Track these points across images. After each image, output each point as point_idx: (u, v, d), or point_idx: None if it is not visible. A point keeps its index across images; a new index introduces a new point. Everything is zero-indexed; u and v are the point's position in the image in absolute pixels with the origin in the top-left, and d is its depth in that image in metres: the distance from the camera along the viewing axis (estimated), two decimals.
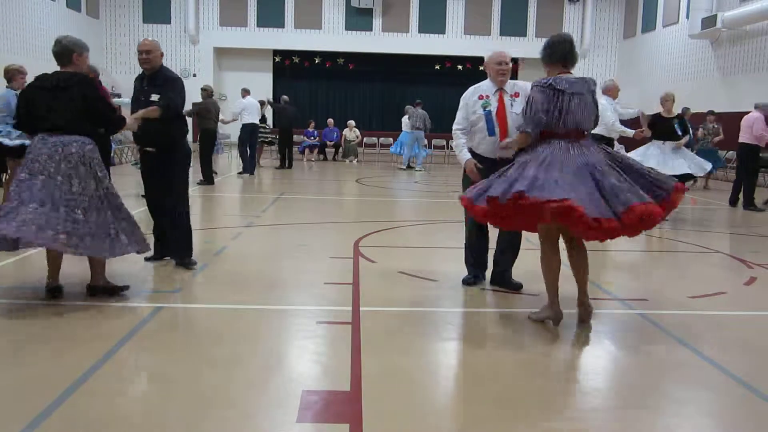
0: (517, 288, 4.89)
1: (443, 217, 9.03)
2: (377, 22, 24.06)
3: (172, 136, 5.18)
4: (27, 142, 6.59)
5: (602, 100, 8.81)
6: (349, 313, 4.25)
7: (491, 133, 4.65)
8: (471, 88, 4.87)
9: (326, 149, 20.01)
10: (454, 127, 4.86)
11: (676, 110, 9.15)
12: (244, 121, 14.13)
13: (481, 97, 4.72)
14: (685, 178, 9.04)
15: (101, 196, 4.25)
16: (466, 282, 5.01)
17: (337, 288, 4.90)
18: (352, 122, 20.02)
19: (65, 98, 4.24)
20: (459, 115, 4.84)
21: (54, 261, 4.42)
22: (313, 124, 20.21)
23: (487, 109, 4.66)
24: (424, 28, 24.09)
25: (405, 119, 17.36)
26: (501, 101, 4.68)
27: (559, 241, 4.13)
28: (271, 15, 23.71)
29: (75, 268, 4.77)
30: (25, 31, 17.32)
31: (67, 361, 3.33)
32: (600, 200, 3.70)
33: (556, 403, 3.06)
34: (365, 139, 20.85)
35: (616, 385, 3.38)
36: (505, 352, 3.75)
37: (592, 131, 4.25)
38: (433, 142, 21.62)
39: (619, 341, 4.00)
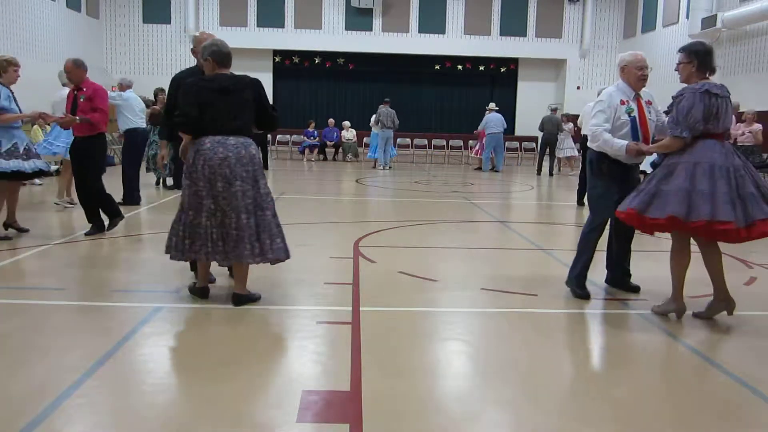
0: (636, 290, 4.95)
1: (443, 217, 9.03)
2: (377, 22, 24.06)
3: None
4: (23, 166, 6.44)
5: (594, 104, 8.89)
6: (349, 313, 4.25)
7: (635, 139, 4.57)
8: (610, 90, 4.70)
9: (326, 149, 20.02)
10: (598, 129, 4.57)
11: None
12: None
13: (623, 102, 4.61)
14: None
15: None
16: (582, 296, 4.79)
17: (337, 288, 4.90)
18: (347, 123, 20.06)
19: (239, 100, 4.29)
20: (601, 117, 4.59)
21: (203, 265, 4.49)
22: (313, 124, 20.23)
23: (632, 114, 4.58)
24: (424, 28, 24.09)
25: (373, 119, 17.30)
26: (641, 107, 4.65)
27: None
28: (271, 15, 23.71)
29: (74, 270, 4.77)
30: (25, 31, 17.31)
31: (68, 361, 3.33)
32: (741, 206, 3.97)
33: (555, 402, 3.06)
34: (365, 139, 20.86)
35: (616, 385, 3.38)
36: (505, 352, 3.75)
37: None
38: (434, 142, 21.64)
39: (619, 341, 4.00)
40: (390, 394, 3.07)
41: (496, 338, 3.99)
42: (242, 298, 4.36)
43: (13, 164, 6.37)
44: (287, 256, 4.45)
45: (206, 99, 4.22)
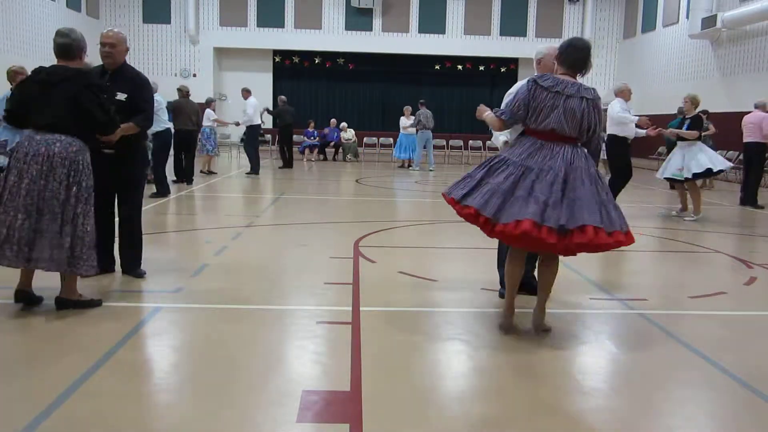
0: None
1: (443, 217, 9.02)
2: (377, 22, 24.06)
3: (131, 136, 4.71)
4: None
5: (615, 103, 8.89)
6: (349, 313, 4.25)
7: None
8: (524, 84, 4.52)
9: (326, 149, 20.03)
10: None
11: (671, 109, 9.42)
12: (255, 122, 14.12)
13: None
14: (705, 174, 9.14)
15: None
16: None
17: (337, 288, 4.90)
18: (345, 124, 20.08)
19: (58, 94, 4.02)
20: (505, 102, 4.39)
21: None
22: (313, 124, 20.23)
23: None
24: (424, 28, 24.09)
25: (407, 119, 17.17)
26: None
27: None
28: (271, 15, 23.71)
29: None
30: (25, 31, 17.32)
31: (68, 361, 3.33)
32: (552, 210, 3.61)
33: (556, 402, 3.06)
34: (365, 139, 20.86)
35: (616, 385, 3.38)
36: (505, 352, 3.75)
37: (608, 132, 4.11)
38: (434, 142, 21.62)
39: (619, 341, 4.00)
40: (390, 394, 3.07)
41: (496, 338, 3.99)
42: (64, 303, 4.11)
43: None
44: (87, 273, 4.12)
45: (30, 91, 4.09)
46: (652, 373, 3.51)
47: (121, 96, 4.72)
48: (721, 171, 9.28)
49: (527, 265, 4.48)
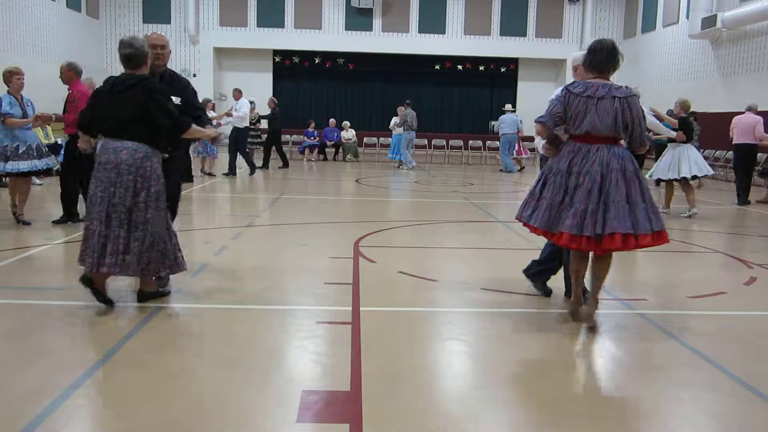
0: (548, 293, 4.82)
1: (443, 217, 9.03)
2: (377, 22, 24.06)
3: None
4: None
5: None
6: (349, 313, 4.25)
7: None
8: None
9: (326, 149, 20.02)
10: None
11: (663, 110, 9.69)
12: (246, 123, 14.11)
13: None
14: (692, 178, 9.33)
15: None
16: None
17: (337, 288, 4.90)
18: (347, 123, 20.09)
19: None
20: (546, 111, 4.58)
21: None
22: (313, 124, 20.23)
23: None
24: (424, 28, 24.09)
25: (396, 120, 17.31)
26: None
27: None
28: (271, 15, 23.71)
29: (75, 270, 4.76)
30: (25, 31, 17.31)
31: (68, 361, 3.33)
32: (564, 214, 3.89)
33: (556, 402, 3.06)
34: (365, 139, 20.85)
35: (616, 385, 3.38)
36: (505, 352, 3.75)
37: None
38: (434, 142, 21.64)
39: (619, 341, 4.00)
40: (390, 394, 3.07)
41: (496, 338, 3.99)
42: (144, 295, 4.31)
43: (23, 165, 6.95)
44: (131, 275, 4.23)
45: (98, 100, 4.22)
46: (652, 373, 3.51)
47: (175, 99, 4.70)
48: (705, 176, 9.58)
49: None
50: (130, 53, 4.19)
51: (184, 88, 4.86)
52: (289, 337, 3.94)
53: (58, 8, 19.22)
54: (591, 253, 4.11)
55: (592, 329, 4.08)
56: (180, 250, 4.37)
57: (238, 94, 14.38)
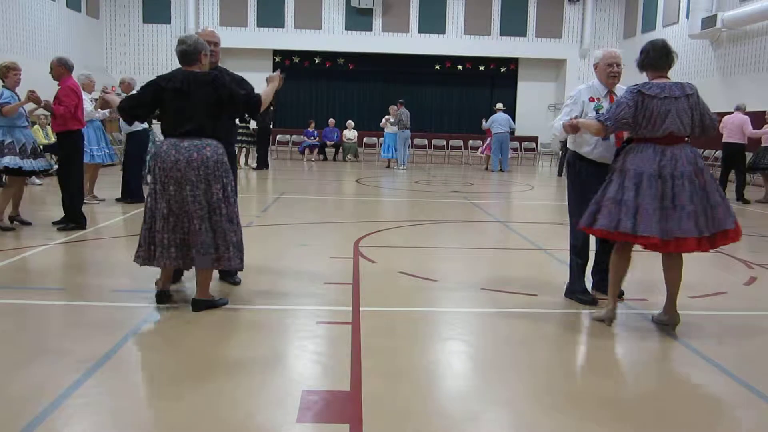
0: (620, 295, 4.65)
1: (443, 217, 9.03)
2: (377, 22, 24.05)
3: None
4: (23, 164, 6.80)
5: None
6: (349, 313, 4.25)
7: (607, 137, 4.46)
8: (582, 88, 4.63)
9: (326, 149, 20.03)
10: (557, 122, 4.57)
11: None
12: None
13: (591, 100, 4.50)
14: None
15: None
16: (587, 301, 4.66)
17: (337, 288, 4.90)
18: (351, 123, 20.10)
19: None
20: (565, 111, 4.56)
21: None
22: (313, 124, 20.23)
23: (600, 111, 4.42)
24: (424, 28, 24.08)
25: (389, 119, 17.34)
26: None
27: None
28: (271, 15, 23.71)
29: (75, 270, 4.77)
30: (25, 31, 17.31)
31: (68, 361, 3.33)
32: (672, 217, 3.83)
33: (555, 402, 3.06)
34: (365, 138, 20.85)
35: (616, 384, 3.38)
36: (505, 351, 3.75)
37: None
38: (434, 142, 21.64)
39: (619, 341, 4.00)
40: (390, 394, 3.07)
41: (496, 338, 3.99)
42: (199, 304, 4.23)
43: (9, 161, 6.77)
44: (239, 267, 4.34)
45: (163, 99, 4.20)
46: (652, 373, 3.51)
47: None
48: None
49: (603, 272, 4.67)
50: (183, 50, 4.24)
51: (237, 82, 4.73)
52: (289, 337, 3.94)
53: (58, 8, 19.22)
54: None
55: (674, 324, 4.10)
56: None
57: None
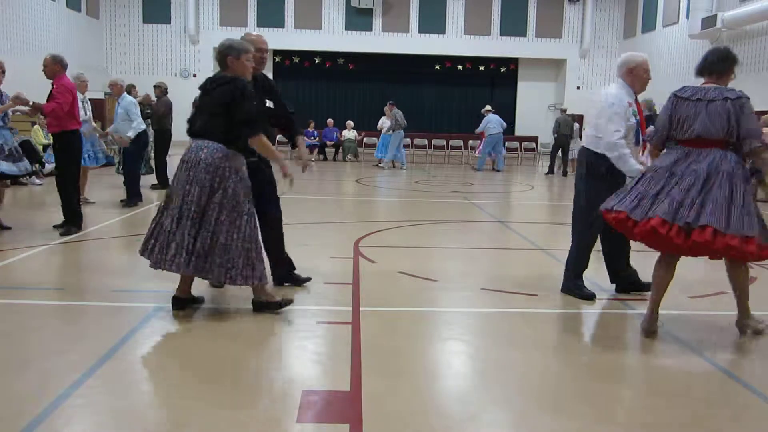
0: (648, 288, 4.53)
1: (443, 217, 9.03)
2: (377, 22, 24.06)
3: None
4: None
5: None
6: (349, 313, 4.25)
7: (638, 142, 4.48)
8: (619, 93, 4.50)
9: (326, 149, 20.03)
10: (616, 138, 4.37)
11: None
12: None
13: (629, 104, 4.46)
14: None
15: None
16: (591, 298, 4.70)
17: (337, 288, 4.90)
18: (350, 123, 20.10)
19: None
20: (618, 123, 4.39)
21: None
22: (313, 124, 20.22)
23: (637, 117, 4.43)
24: (424, 28, 24.09)
25: (387, 121, 17.35)
26: (639, 109, 4.55)
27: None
28: (271, 15, 23.71)
29: (74, 270, 4.77)
30: (25, 31, 17.31)
31: (68, 361, 3.33)
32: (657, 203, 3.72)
33: (555, 402, 3.06)
34: (365, 138, 20.86)
35: (616, 384, 3.38)
36: (505, 352, 3.75)
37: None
38: (434, 142, 21.64)
39: (619, 341, 4.00)
40: (390, 394, 3.07)
41: (496, 338, 3.99)
42: (256, 305, 4.20)
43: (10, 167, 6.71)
44: (238, 283, 4.12)
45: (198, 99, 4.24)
46: (652, 373, 3.51)
47: (269, 103, 4.63)
48: None
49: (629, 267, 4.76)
50: (216, 54, 4.20)
51: (275, 92, 4.78)
52: (289, 337, 3.94)
53: (58, 8, 19.22)
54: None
55: (759, 333, 4.02)
56: (262, 261, 4.18)
57: None
